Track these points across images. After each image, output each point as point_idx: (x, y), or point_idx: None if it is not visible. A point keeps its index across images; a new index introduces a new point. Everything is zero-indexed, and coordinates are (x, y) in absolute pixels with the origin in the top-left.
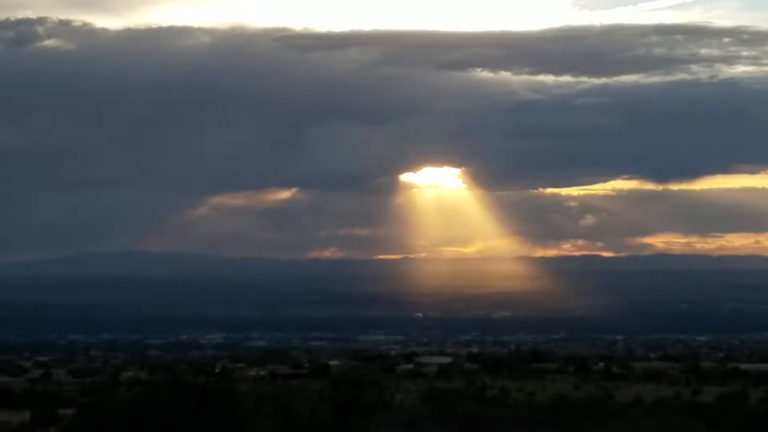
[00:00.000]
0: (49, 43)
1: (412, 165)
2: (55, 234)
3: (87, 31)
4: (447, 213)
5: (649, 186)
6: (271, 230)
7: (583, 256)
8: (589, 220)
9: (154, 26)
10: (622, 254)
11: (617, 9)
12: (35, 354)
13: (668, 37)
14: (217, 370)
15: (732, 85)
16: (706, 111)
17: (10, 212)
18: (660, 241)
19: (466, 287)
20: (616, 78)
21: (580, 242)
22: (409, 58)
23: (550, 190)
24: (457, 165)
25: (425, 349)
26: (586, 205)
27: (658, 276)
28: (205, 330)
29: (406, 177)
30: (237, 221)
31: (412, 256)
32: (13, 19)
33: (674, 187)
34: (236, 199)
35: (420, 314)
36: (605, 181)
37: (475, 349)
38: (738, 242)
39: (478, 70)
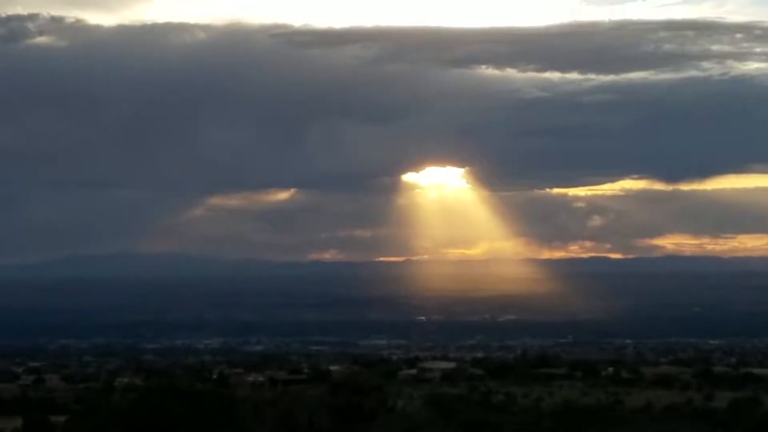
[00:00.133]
0: (40, 40)
1: (414, 164)
2: (46, 235)
3: (80, 27)
4: (450, 214)
5: (659, 186)
6: (269, 231)
7: (590, 258)
8: (596, 221)
9: (148, 23)
10: (630, 256)
11: (626, 4)
12: (27, 359)
13: (678, 33)
14: (215, 376)
15: (744, 82)
16: (718, 108)
17: (0, 213)
18: (670, 243)
19: (470, 290)
20: (624, 75)
21: (588, 244)
22: (412, 55)
23: (556, 190)
24: (460, 164)
25: (428, 353)
26: (594, 206)
27: (668, 278)
28: (201, 334)
29: (408, 177)
30: (234, 222)
31: (414, 258)
32: (3, 15)
33: (684, 186)
34: (233, 200)
35: (423, 318)
36: (613, 180)
37: (479, 354)
38: (750, 243)
39: (483, 67)
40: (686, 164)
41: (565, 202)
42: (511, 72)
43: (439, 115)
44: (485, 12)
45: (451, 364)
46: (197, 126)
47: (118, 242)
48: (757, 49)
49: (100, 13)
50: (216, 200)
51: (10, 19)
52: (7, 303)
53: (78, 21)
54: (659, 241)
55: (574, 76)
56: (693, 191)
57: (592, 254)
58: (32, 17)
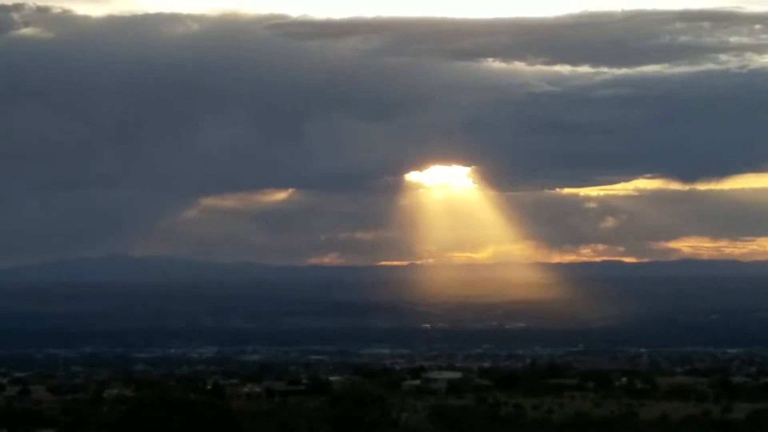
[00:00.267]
0: (26, 31)
1: (418, 163)
2: (31, 238)
3: (67, 18)
4: (456, 215)
5: (675, 186)
6: (266, 234)
7: (603, 262)
8: (609, 222)
9: (139, 13)
10: (645, 260)
11: None
12: (12, 370)
13: (695, 24)
14: (209, 387)
15: (764, 75)
16: (736, 104)
17: None
18: (687, 246)
19: (477, 296)
20: (638, 68)
21: (600, 247)
22: (415, 48)
23: (567, 191)
24: (466, 163)
25: (433, 363)
26: (607, 207)
27: (684, 283)
28: (195, 343)
29: (411, 176)
30: (230, 224)
31: (418, 262)
32: None
33: (702, 186)
34: (229, 201)
35: (427, 325)
36: (627, 180)
37: (487, 364)
38: None
39: (490, 60)
40: (703, 162)
41: (577, 202)
42: (518, 65)
43: (444, 110)
44: (491, 2)
45: (457, 374)
46: (190, 123)
47: (107, 245)
48: None
49: (89, 3)
50: (210, 201)
51: None
52: None
53: (65, 11)
54: (675, 244)
55: (585, 69)
56: (710, 191)
57: (605, 258)
58: (17, 7)
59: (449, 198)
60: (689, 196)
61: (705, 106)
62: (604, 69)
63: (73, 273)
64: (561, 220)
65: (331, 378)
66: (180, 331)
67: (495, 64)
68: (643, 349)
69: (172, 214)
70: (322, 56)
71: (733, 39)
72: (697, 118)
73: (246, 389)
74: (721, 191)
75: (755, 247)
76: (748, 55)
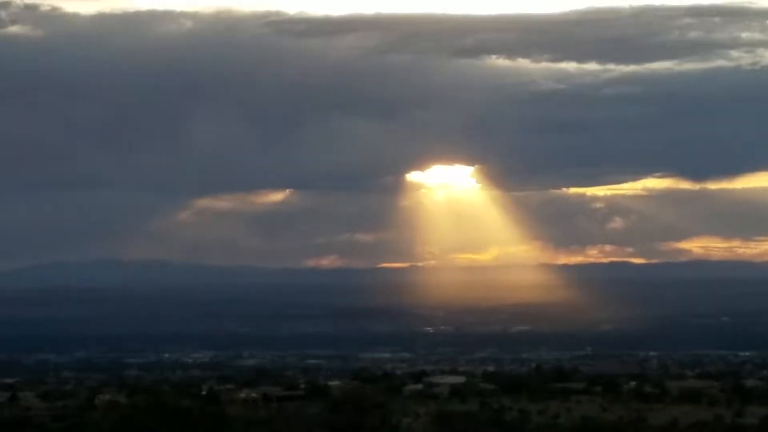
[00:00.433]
0: (14, 29)
1: (420, 163)
2: (20, 241)
3: (56, 16)
4: (459, 216)
5: (685, 185)
6: (262, 236)
7: (611, 264)
8: (617, 222)
9: (131, 11)
10: (654, 261)
11: None
12: (0, 375)
13: (705, 20)
14: (204, 392)
15: None
16: (748, 101)
17: None
18: (697, 246)
19: (481, 298)
20: (647, 65)
21: (608, 248)
22: (416, 45)
23: (573, 190)
24: (470, 162)
25: (435, 367)
26: (615, 207)
27: (695, 285)
28: (190, 347)
29: (413, 176)
30: (224, 226)
31: (420, 264)
32: None
33: (713, 185)
34: (223, 202)
35: (429, 329)
36: (635, 179)
37: (491, 368)
38: None
39: (494, 57)
40: (714, 161)
41: (583, 202)
42: (523, 62)
43: (446, 109)
44: None
45: (460, 379)
46: (184, 122)
47: (98, 248)
48: None
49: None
50: (204, 202)
51: None
52: None
53: (54, 9)
54: (685, 245)
55: (592, 66)
56: (722, 190)
57: (613, 259)
58: (4, 5)
59: (452, 198)
60: (700, 196)
61: (716, 104)
62: (612, 66)
63: (64, 277)
64: (567, 220)
65: (330, 383)
66: (174, 335)
67: (499, 62)
68: (652, 353)
69: (165, 216)
70: (320, 54)
71: (744, 35)
72: (708, 116)
73: (242, 395)
74: (733, 190)
75: None
76: (760, 51)
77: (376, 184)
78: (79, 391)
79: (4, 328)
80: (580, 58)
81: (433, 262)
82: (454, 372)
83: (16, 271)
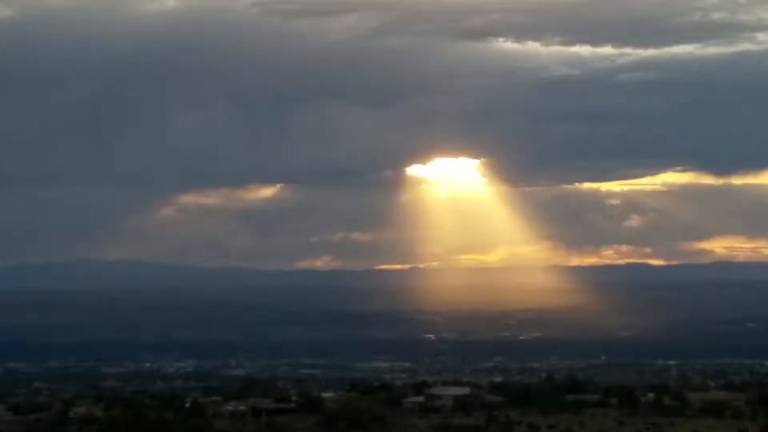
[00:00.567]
0: None
1: (420, 155)
2: None
3: None
4: (464, 213)
5: (707, 179)
6: (251, 235)
7: (627, 265)
8: (634, 221)
9: None
10: (674, 262)
11: None
12: None
13: (729, 0)
14: (188, 405)
15: None
16: None
17: None
18: (720, 247)
19: (488, 303)
20: (666, 49)
21: (624, 248)
22: (418, 26)
23: (587, 185)
24: (475, 155)
25: (438, 378)
26: (632, 203)
27: (718, 288)
28: (172, 356)
29: (414, 170)
30: (210, 224)
31: (421, 265)
32: None
33: (737, 180)
34: (209, 198)
35: (431, 336)
36: (654, 174)
37: (498, 378)
38: None
39: (501, 39)
40: (739, 153)
41: (598, 198)
42: (533, 46)
43: (450, 96)
44: None
45: (465, 390)
46: (165, 110)
47: (72, 248)
48: None
49: None
50: (188, 198)
51: None
52: None
53: None
54: (707, 245)
55: (607, 50)
56: (747, 185)
57: (630, 260)
58: None
59: (456, 194)
60: (723, 191)
61: (741, 91)
62: (629, 50)
63: (35, 279)
64: (581, 218)
65: (325, 395)
66: (155, 343)
67: (507, 45)
68: (671, 362)
69: (145, 212)
70: (313, 36)
71: None
72: (732, 105)
73: (229, 407)
74: (759, 185)
75: None
76: None
77: (374, 179)
78: (53, 404)
79: None
80: (595, 42)
81: (435, 263)
82: (458, 383)
83: None
